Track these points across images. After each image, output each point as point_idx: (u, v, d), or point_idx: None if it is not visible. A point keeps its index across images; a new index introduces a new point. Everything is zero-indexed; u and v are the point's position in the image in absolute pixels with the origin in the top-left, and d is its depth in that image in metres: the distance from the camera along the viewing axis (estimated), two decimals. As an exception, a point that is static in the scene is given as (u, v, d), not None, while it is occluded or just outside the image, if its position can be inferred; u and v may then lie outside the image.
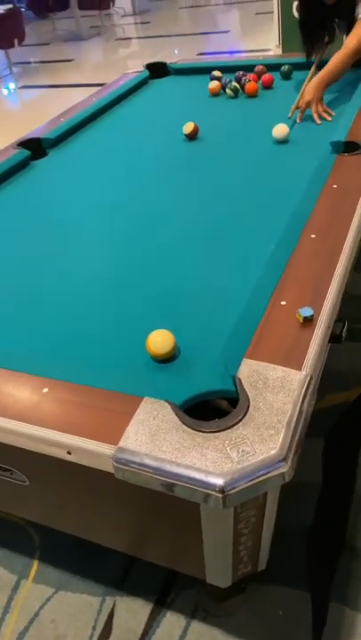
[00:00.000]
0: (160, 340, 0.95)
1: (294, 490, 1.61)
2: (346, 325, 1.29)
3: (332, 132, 1.70)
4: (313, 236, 1.20)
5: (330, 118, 1.90)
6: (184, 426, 0.79)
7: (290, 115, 1.94)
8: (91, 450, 0.79)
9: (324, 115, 1.92)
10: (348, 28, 2.07)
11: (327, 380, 1.94)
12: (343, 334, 1.30)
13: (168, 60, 2.73)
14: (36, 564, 1.50)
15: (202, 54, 6.50)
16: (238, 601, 1.31)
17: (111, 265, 1.30)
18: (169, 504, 0.81)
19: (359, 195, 1.34)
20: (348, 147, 1.59)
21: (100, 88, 2.59)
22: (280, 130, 1.76)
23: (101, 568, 1.45)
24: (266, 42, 5.79)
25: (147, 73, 2.63)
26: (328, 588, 1.36)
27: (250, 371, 0.87)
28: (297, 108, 1.95)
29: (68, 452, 0.81)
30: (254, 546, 0.94)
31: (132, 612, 1.36)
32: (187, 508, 0.80)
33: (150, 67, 2.67)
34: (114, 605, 1.38)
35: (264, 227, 1.34)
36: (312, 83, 1.94)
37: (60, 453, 0.82)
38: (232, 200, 1.50)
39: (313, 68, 2.09)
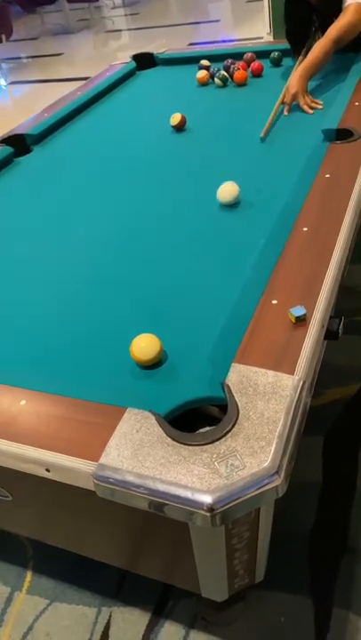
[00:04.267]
0: (145, 346, 0.90)
1: (294, 491, 1.57)
2: (342, 321, 1.24)
3: (323, 120, 1.63)
4: (305, 229, 1.14)
5: (320, 107, 1.84)
6: (169, 439, 0.74)
7: (262, 133, 1.72)
8: (70, 467, 0.74)
9: (314, 104, 1.85)
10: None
11: (326, 376, 1.90)
12: (340, 331, 1.25)
13: (159, 51, 2.66)
14: (29, 574, 1.46)
15: (193, 44, 6.40)
16: (238, 609, 1.27)
17: (94, 266, 1.25)
18: (157, 521, 0.77)
19: (352, 184, 1.28)
20: (340, 134, 1.53)
21: (86, 81, 2.52)
22: (226, 192, 1.34)
23: (97, 577, 1.41)
24: (257, 30, 5.70)
25: (133, 64, 2.56)
26: (331, 593, 1.32)
27: (239, 376, 0.81)
28: (282, 103, 1.88)
29: (47, 470, 0.76)
30: (250, 559, 0.89)
31: (129, 622, 1.32)
32: (176, 524, 0.76)
33: (137, 58, 2.60)
34: (110, 616, 1.34)
35: (254, 221, 1.28)
36: (295, 75, 1.87)
37: (39, 471, 0.77)
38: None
39: (299, 60, 2.03)
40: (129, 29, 8.41)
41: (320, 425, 1.75)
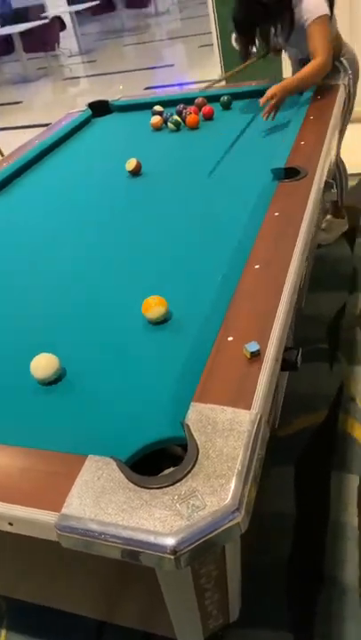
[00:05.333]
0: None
1: (270, 523, 1.57)
2: (300, 352, 1.28)
3: (272, 159, 1.71)
4: (257, 266, 1.19)
5: (273, 119, 2.07)
6: (131, 484, 0.74)
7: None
8: (33, 519, 0.73)
9: (272, 114, 2.06)
10: (288, 34, 2.16)
11: (294, 404, 1.93)
12: (298, 361, 1.28)
13: (116, 97, 2.75)
14: (4, 632, 1.41)
15: (148, 88, 6.63)
16: (218, 651, 1.25)
17: (49, 310, 1.26)
18: (124, 567, 0.76)
19: (300, 220, 1.34)
20: (288, 173, 1.61)
21: (44, 129, 2.58)
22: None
23: (74, 631, 1.37)
24: (210, 73, 5.93)
25: (89, 112, 2.64)
26: (310, 627, 1.31)
27: (198, 415, 0.83)
28: (265, 102, 2.05)
29: (10, 524, 0.75)
30: (221, 598, 0.89)
31: (108, 675, 1.28)
32: (143, 569, 0.75)
33: (93, 105, 2.68)
34: (89, 671, 1.30)
35: (209, 261, 1.32)
36: (280, 84, 2.06)
37: (1, 525, 0.76)
38: (176, 235, 1.49)
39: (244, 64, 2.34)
40: (87, 76, 8.66)
41: (290, 455, 1.77)
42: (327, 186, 1.71)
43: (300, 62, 2.28)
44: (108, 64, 8.95)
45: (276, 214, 1.40)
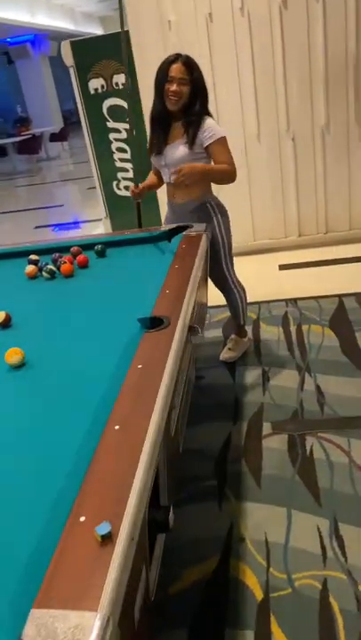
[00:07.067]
0: None
1: None
2: (171, 510, 1.23)
3: (140, 307, 1.78)
4: (117, 427, 1.16)
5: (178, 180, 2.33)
6: None
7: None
8: None
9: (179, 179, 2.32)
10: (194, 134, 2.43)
11: (182, 553, 1.82)
12: (170, 520, 1.22)
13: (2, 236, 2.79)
14: None
15: (38, 227, 6.89)
16: None
17: None
18: None
19: (162, 371, 1.36)
20: (153, 322, 1.67)
21: None
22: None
23: None
24: (96, 213, 6.34)
25: None
26: None
27: (37, 626, 0.74)
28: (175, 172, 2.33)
29: None
30: None
31: None
32: None
33: (-34, 254, 2.70)
34: None
35: (68, 423, 1.28)
36: (197, 165, 2.37)
37: None
38: (38, 394, 1.45)
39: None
40: (-22, 215, 8.85)
41: (184, 616, 1.64)
42: (193, 331, 1.80)
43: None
44: (-1, 203, 9.27)
45: (140, 366, 1.41)
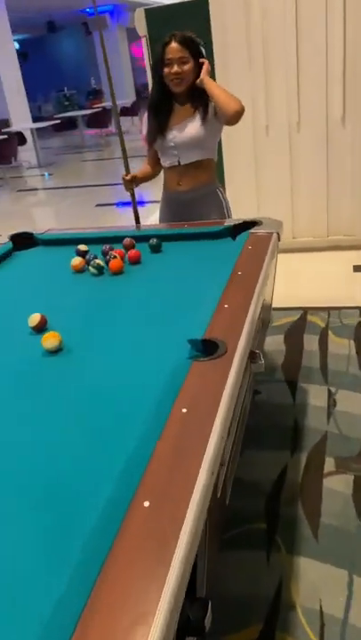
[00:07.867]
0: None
1: None
2: (210, 608, 0.98)
3: (192, 323, 1.50)
4: (146, 503, 0.90)
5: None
6: None
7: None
8: None
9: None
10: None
11: (222, 617, 1.56)
12: (207, 622, 0.98)
13: (38, 232, 2.59)
14: None
15: (99, 205, 6.71)
16: None
17: None
18: None
19: (211, 423, 1.08)
20: (206, 346, 1.38)
21: None
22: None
23: None
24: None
25: (10, 245, 2.45)
26: None
27: None
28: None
29: None
30: None
31: None
32: None
33: (15, 238, 2.50)
34: None
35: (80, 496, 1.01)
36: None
37: None
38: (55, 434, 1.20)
39: None
40: (42, 189, 8.83)
41: None
42: (253, 357, 1.50)
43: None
44: (64, 178, 9.20)
45: (184, 410, 1.14)
